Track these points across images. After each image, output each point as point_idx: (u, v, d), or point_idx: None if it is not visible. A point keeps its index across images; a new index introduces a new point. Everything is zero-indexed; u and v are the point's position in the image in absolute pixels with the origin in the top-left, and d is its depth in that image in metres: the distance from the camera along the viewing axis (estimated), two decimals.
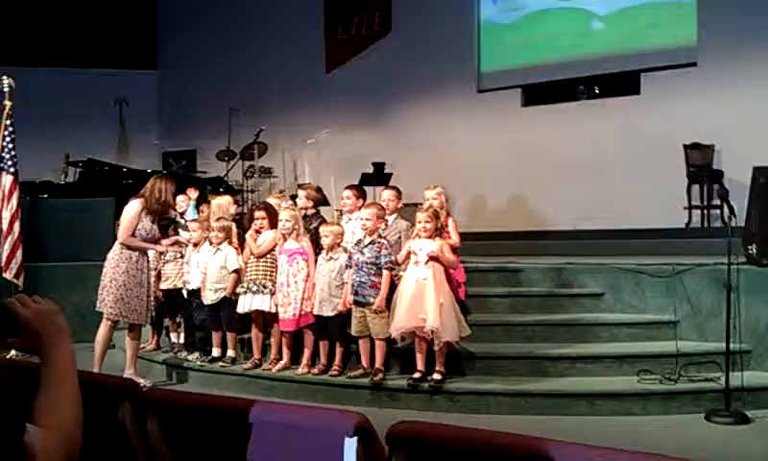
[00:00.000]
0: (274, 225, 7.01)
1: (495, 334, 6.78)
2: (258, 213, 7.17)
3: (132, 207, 6.76)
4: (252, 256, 6.96)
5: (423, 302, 5.95)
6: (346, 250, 6.62)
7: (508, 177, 11.49)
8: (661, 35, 10.94)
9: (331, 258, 6.57)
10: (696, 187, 9.96)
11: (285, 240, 6.81)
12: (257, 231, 7.04)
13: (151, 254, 7.07)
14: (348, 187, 7.46)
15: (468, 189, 11.14)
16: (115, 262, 6.65)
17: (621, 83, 11.31)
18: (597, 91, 11.75)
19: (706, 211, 9.92)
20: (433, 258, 6.05)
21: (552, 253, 8.43)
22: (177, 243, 7.36)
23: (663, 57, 10.80)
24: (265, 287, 6.81)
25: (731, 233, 5.87)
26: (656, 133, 10.36)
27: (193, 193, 8.63)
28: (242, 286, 6.92)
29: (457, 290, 6.56)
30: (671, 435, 5.28)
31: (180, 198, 7.99)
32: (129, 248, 6.68)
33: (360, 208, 6.91)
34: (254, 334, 6.99)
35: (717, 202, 9.55)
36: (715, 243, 6.60)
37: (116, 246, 6.74)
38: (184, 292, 7.37)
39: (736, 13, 9.89)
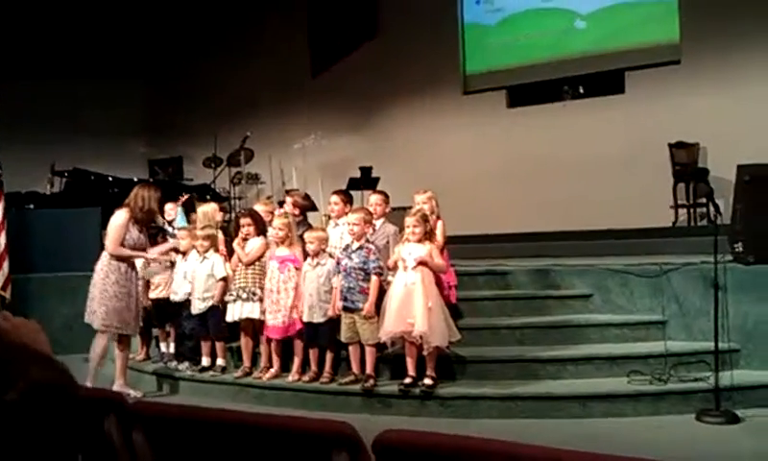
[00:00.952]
0: (260, 232, 7.00)
1: (485, 338, 6.77)
2: (244, 220, 7.14)
3: (119, 217, 6.72)
4: (240, 264, 6.93)
5: (412, 306, 5.93)
6: (332, 255, 6.61)
7: (494, 178, 11.51)
8: (644, 33, 11.00)
9: (318, 264, 6.55)
10: (682, 186, 10.02)
11: (277, 246, 6.79)
12: (244, 239, 7.01)
13: (138, 262, 7.03)
14: (335, 192, 7.46)
15: (455, 191, 11.13)
16: (104, 273, 6.61)
17: (605, 82, 11.36)
18: (582, 91, 11.79)
19: (692, 210, 9.97)
20: (422, 263, 6.04)
21: (539, 254, 8.43)
22: (173, 250, 7.32)
23: (647, 55, 10.85)
24: (255, 294, 6.79)
25: (717, 232, 5.89)
26: (641, 131, 10.41)
27: (182, 199, 8.57)
28: (231, 294, 6.89)
29: (449, 293, 6.56)
30: (662, 435, 5.29)
31: (168, 206, 7.95)
32: (118, 258, 6.64)
33: (347, 213, 6.89)
34: (244, 342, 6.96)
35: (703, 200, 9.59)
36: (702, 242, 6.60)
37: (104, 256, 6.69)
38: (175, 299, 7.31)
39: (719, 10, 9.94)
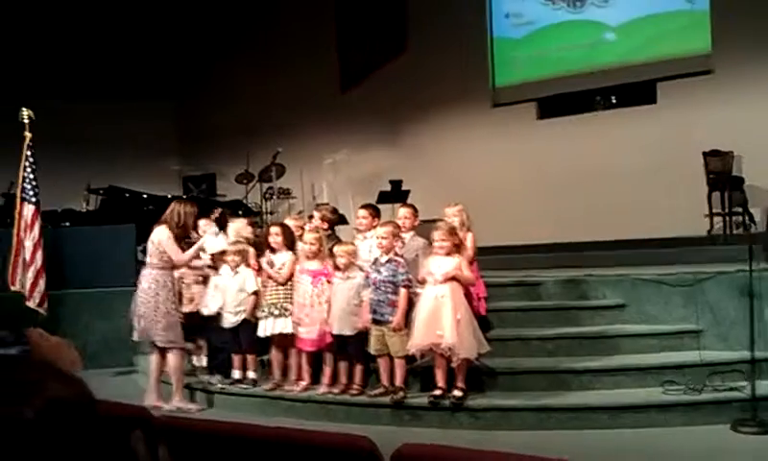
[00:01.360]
0: (289, 245, 7.04)
1: (516, 349, 6.72)
2: (273, 229, 7.21)
3: (163, 233, 6.84)
4: (270, 280, 6.97)
5: (441, 318, 5.92)
6: (361, 269, 6.62)
7: (525, 190, 11.47)
8: (675, 43, 10.90)
9: (348, 278, 6.57)
10: (716, 195, 9.88)
11: (308, 260, 6.82)
12: (272, 250, 7.05)
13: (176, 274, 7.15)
14: (362, 206, 7.49)
15: (486, 203, 11.10)
16: (154, 291, 6.73)
17: (637, 92, 11.26)
18: (614, 101, 11.70)
19: (727, 218, 9.82)
20: (450, 278, 6.02)
21: (570, 264, 8.36)
22: (208, 266, 7.41)
23: (678, 65, 10.75)
24: (286, 310, 6.82)
25: (752, 240, 5.80)
26: (674, 141, 10.31)
27: (214, 214, 8.64)
28: (262, 310, 6.93)
29: (478, 305, 6.53)
30: (697, 446, 5.20)
31: (202, 222, 8.04)
32: (171, 269, 6.81)
33: (375, 227, 6.91)
34: (275, 355, 6.99)
35: (738, 209, 9.45)
36: (737, 250, 6.51)
37: (150, 274, 6.79)
38: (206, 313, 7.38)
39: (751, 20, 9.82)
